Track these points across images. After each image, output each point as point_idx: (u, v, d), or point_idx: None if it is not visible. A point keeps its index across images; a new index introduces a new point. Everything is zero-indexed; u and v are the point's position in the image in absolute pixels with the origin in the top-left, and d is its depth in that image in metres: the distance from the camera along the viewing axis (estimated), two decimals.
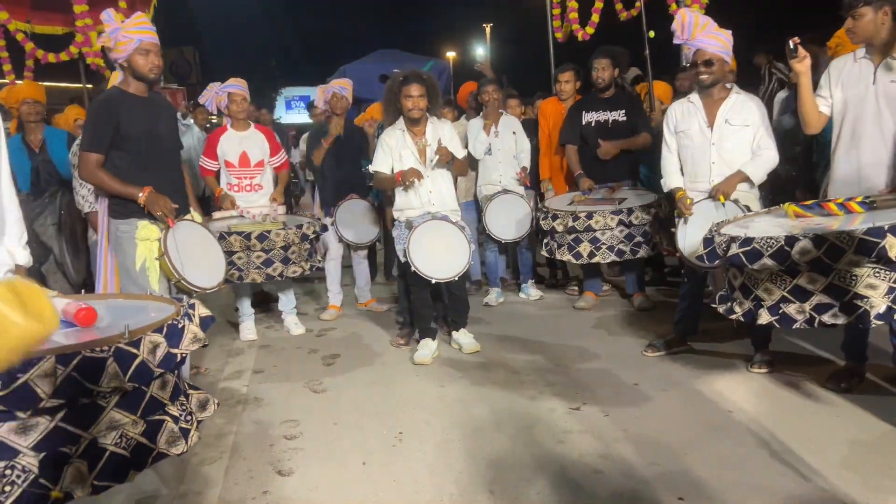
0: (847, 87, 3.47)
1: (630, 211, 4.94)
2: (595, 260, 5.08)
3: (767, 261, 2.80)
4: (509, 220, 5.68)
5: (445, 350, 4.74)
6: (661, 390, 3.80)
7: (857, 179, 3.41)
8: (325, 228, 5.37)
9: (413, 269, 4.33)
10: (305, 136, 6.92)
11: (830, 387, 3.60)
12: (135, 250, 3.65)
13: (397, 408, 3.81)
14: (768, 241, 2.81)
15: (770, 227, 3.13)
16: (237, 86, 5.21)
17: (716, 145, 4.06)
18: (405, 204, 4.52)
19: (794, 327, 2.84)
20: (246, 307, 5.34)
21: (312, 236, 5.09)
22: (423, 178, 4.41)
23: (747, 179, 4.00)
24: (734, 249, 2.94)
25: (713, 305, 3.33)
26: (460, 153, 4.60)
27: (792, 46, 3.36)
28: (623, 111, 5.49)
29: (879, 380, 3.69)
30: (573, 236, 5.05)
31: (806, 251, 2.67)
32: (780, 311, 2.88)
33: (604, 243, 5.00)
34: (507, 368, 4.31)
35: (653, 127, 5.56)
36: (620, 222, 4.94)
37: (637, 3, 6.04)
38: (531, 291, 6.02)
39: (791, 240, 2.72)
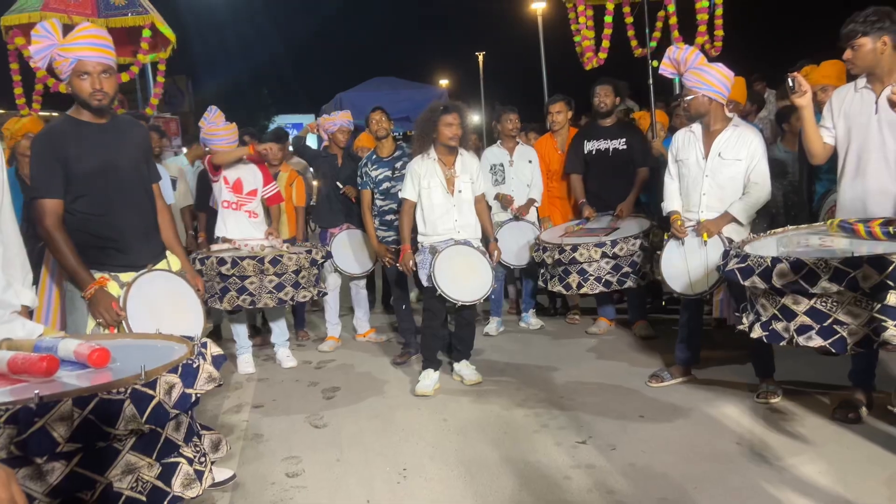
0: (850, 118, 3.53)
1: (614, 243, 5.02)
2: (583, 291, 5.16)
3: (756, 279, 2.96)
4: (517, 246, 5.75)
5: (446, 381, 4.74)
6: (667, 421, 3.81)
7: (863, 208, 3.45)
8: (330, 255, 5.42)
9: (439, 292, 4.41)
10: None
11: (838, 417, 3.61)
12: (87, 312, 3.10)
13: (401, 442, 3.80)
14: (758, 259, 2.97)
15: (795, 243, 3.19)
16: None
17: (709, 177, 4.15)
18: (431, 230, 4.61)
19: (780, 344, 2.98)
20: (243, 339, 5.33)
21: (321, 261, 5.16)
22: (412, 266, 4.59)
23: (735, 220, 4.08)
24: (731, 265, 3.06)
25: (736, 314, 3.36)
26: (481, 189, 4.77)
27: (791, 83, 3.42)
28: (623, 140, 5.60)
29: (891, 408, 3.70)
30: (562, 268, 5.13)
31: (784, 273, 2.82)
32: (770, 328, 3.02)
33: (591, 274, 5.07)
34: (510, 400, 4.31)
35: (653, 155, 5.65)
36: (604, 255, 5.02)
37: (652, 44, 6.17)
38: (532, 320, 6.04)
39: (776, 261, 2.87)
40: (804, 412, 3.76)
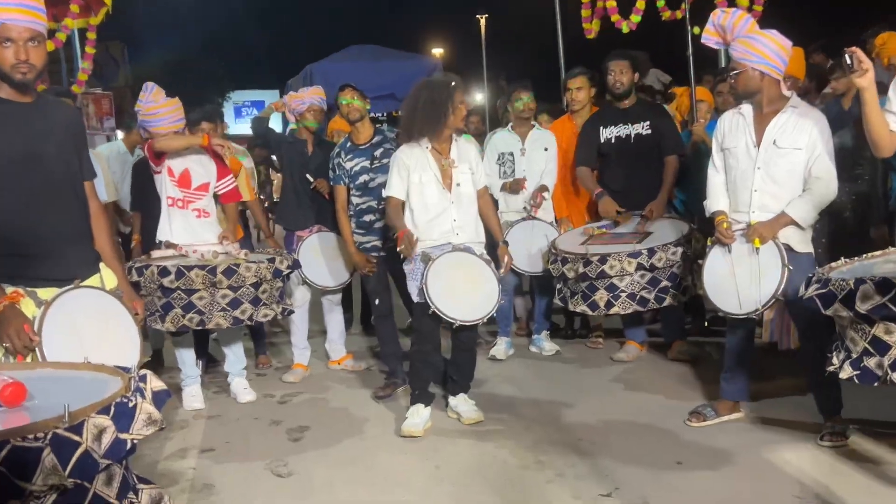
0: None
1: (651, 252, 5.00)
2: (613, 311, 5.13)
3: (838, 306, 2.89)
4: (530, 249, 5.74)
5: (440, 419, 4.73)
6: (711, 469, 3.81)
7: None
8: (297, 264, 5.37)
9: (432, 309, 4.38)
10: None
11: None
12: None
13: (382, 494, 3.78)
14: (841, 283, 2.90)
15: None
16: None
17: (761, 170, 4.14)
18: (423, 233, 4.58)
19: (875, 384, 2.90)
20: (190, 367, 5.30)
21: (286, 272, 5.12)
22: (413, 249, 4.48)
23: (794, 223, 4.08)
24: (810, 292, 3.01)
25: (829, 355, 3.29)
26: (482, 182, 4.78)
27: (849, 60, 3.41)
28: (647, 123, 5.61)
29: None
30: (587, 283, 5.11)
31: (868, 296, 2.77)
32: (862, 365, 2.93)
33: (622, 290, 5.05)
34: (517, 443, 4.30)
35: (693, 142, 5.66)
36: (640, 266, 4.99)
37: (683, 5, 6.15)
38: (545, 345, 6.06)
39: (860, 283, 2.80)
40: (880, 457, 3.76)
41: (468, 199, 4.66)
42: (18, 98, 3.02)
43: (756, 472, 3.74)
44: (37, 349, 2.90)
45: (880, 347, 2.86)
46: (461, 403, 4.74)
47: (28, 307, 3.00)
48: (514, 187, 5.87)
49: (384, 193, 4.80)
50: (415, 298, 4.56)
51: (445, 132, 4.58)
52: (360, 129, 5.41)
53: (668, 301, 5.10)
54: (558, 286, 5.40)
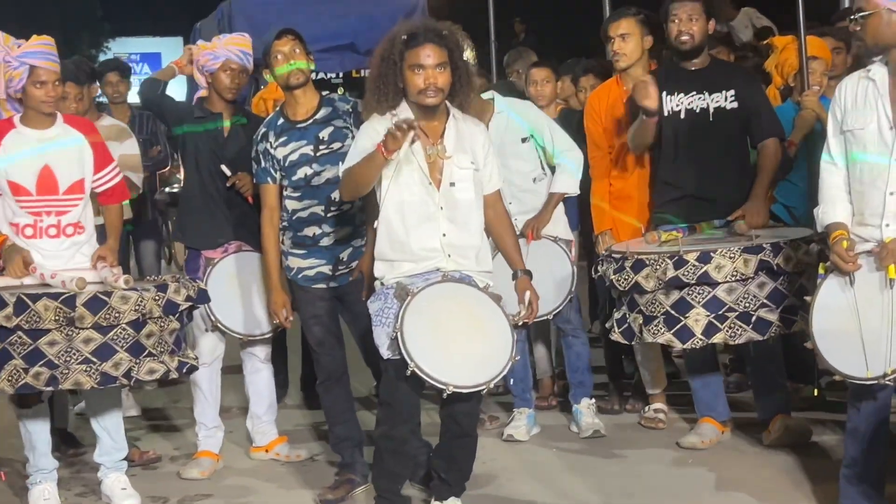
0: None
1: (777, 248, 5.00)
2: (717, 338, 5.14)
3: None
4: (538, 283, 5.70)
5: None
6: None
7: None
8: (205, 297, 5.31)
9: (411, 368, 4.31)
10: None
11: None
12: None
13: None
14: None
15: None
16: (45, 53, 5.14)
17: None
18: (399, 252, 4.58)
19: None
20: (42, 458, 5.26)
21: (185, 306, 5.07)
22: (417, 138, 4.43)
23: None
24: None
25: None
26: (495, 186, 4.80)
27: None
28: (732, 92, 5.65)
29: None
30: (675, 298, 5.12)
31: None
32: None
33: (732, 308, 5.05)
34: None
35: (802, 121, 5.69)
36: (763, 267, 4.99)
37: None
38: (585, 419, 6.05)
39: None
40: None
41: (466, 206, 4.63)
42: None
43: None
44: None
45: None
46: None
47: None
48: None
49: (341, 168, 4.74)
50: (384, 353, 4.51)
51: (412, 106, 4.57)
52: (300, 98, 5.37)
53: (797, 325, 5.08)
54: (619, 314, 5.42)
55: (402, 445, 4.66)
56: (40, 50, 5.09)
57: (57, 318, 4.65)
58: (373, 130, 4.55)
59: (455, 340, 4.43)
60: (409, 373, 4.31)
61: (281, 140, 5.30)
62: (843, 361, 4.20)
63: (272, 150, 5.29)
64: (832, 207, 4.36)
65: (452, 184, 4.58)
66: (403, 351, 4.30)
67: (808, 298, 4.41)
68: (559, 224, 6.01)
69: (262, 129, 5.39)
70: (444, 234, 4.56)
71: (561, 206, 6.05)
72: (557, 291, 5.81)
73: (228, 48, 5.78)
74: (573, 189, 5.96)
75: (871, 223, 4.21)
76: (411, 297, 4.35)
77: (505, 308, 4.51)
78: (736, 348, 5.86)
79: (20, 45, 5.12)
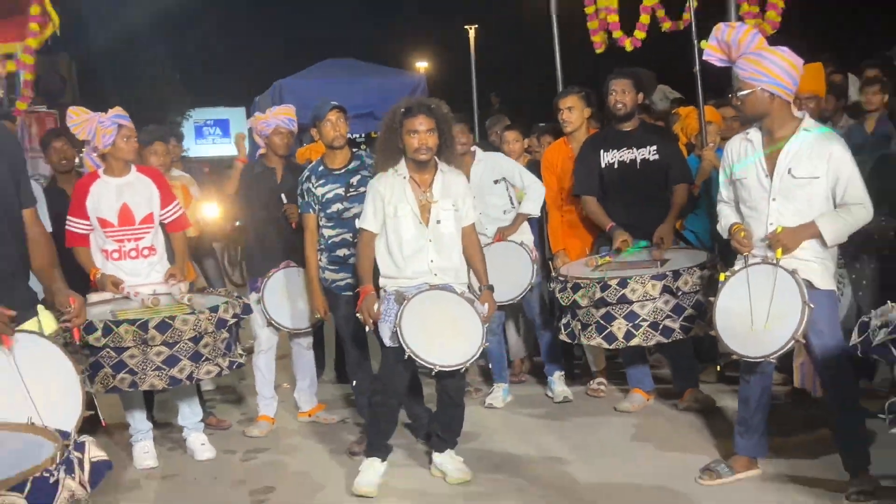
0: None
1: (677, 274, 4.98)
2: (634, 342, 5.10)
3: None
4: (505, 275, 5.64)
5: (424, 478, 4.72)
6: None
7: None
8: (248, 310, 5.31)
9: (408, 353, 4.35)
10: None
11: None
12: None
13: None
14: None
15: None
16: (126, 117, 5.25)
17: (777, 201, 4.16)
18: (397, 271, 4.60)
19: None
20: (140, 421, 5.25)
21: (232, 321, 5.03)
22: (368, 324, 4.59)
23: (820, 237, 4.08)
24: (881, 337, 2.87)
25: (880, 416, 3.16)
26: (470, 220, 4.79)
27: None
28: (654, 148, 5.63)
29: None
30: (603, 312, 5.08)
31: None
32: None
33: (644, 319, 5.03)
34: None
35: (697, 168, 5.71)
36: (665, 289, 4.97)
37: (685, 15, 6.15)
38: (557, 388, 6.02)
39: None
40: None
41: (449, 238, 4.66)
42: None
43: None
44: None
45: None
46: (447, 461, 4.71)
47: None
48: None
49: (357, 225, 4.81)
50: (386, 342, 4.53)
51: (410, 162, 4.61)
52: (338, 153, 5.35)
53: (693, 331, 5.08)
54: (565, 320, 5.37)
55: (392, 411, 4.69)
56: (123, 115, 5.22)
57: (134, 339, 4.65)
58: (377, 194, 4.63)
59: (440, 333, 4.44)
60: (406, 357, 4.35)
61: (320, 182, 5.28)
62: (738, 345, 4.20)
63: (314, 189, 5.28)
64: (727, 218, 4.40)
65: (438, 221, 4.62)
66: (402, 340, 4.35)
67: (711, 299, 4.40)
68: (525, 234, 5.94)
69: (307, 173, 5.37)
70: (431, 260, 4.61)
71: (527, 224, 6.00)
72: (519, 282, 5.73)
73: (278, 117, 5.74)
74: (535, 212, 5.90)
75: (758, 246, 4.22)
76: (407, 302, 4.39)
77: (477, 308, 4.50)
78: None
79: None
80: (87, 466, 1.95)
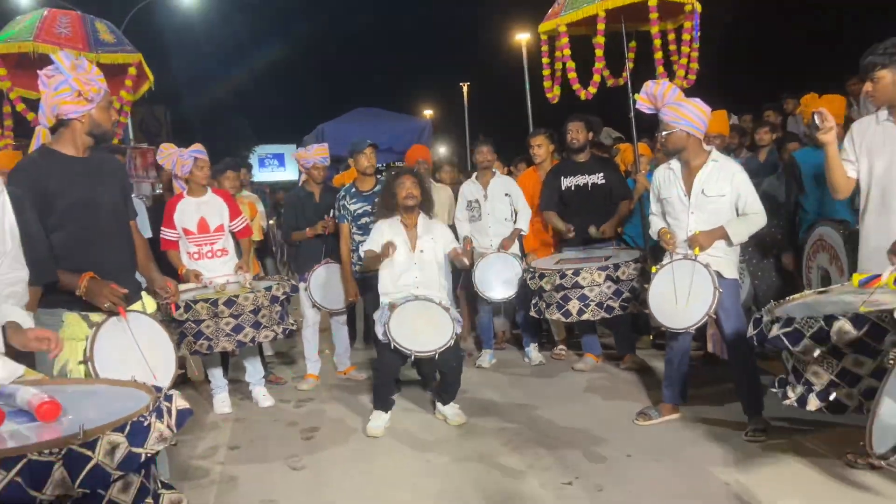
0: (872, 152, 3.42)
1: (616, 266, 4.95)
2: (585, 317, 5.05)
3: (808, 342, 2.61)
4: (498, 279, 5.69)
5: (430, 421, 4.67)
6: (655, 461, 3.74)
7: (888, 244, 3.26)
8: (294, 289, 5.25)
9: (393, 345, 4.33)
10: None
11: (855, 463, 3.39)
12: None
13: (382, 486, 3.70)
14: (808, 321, 2.62)
15: (833, 303, 2.90)
16: (202, 151, 5.22)
17: (694, 214, 4.12)
18: (391, 287, 4.62)
19: (847, 413, 2.67)
20: (218, 378, 5.22)
21: (283, 297, 4.97)
22: (394, 249, 4.51)
23: (727, 237, 4.02)
24: (775, 331, 2.74)
25: (773, 390, 3.06)
26: (451, 246, 4.78)
27: (816, 120, 3.37)
28: (601, 174, 5.59)
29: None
30: (561, 294, 5.03)
31: (844, 332, 2.48)
32: (831, 397, 2.68)
33: (592, 300, 4.97)
34: (494, 439, 4.22)
35: (637, 191, 5.66)
36: (608, 277, 4.93)
37: (624, 74, 6.18)
38: (532, 355, 5.93)
39: (830, 320, 2.53)
40: (795, 452, 3.69)
41: (429, 263, 4.67)
42: (76, 153, 3.08)
43: (692, 464, 3.67)
44: (90, 366, 2.88)
45: (849, 379, 2.62)
46: (448, 409, 4.66)
47: (82, 329, 3.01)
48: (458, 257, 5.21)
49: (362, 248, 4.80)
50: (380, 338, 4.49)
51: (401, 208, 4.66)
52: (368, 179, 5.41)
53: (630, 309, 5.03)
54: (534, 300, 5.30)
55: (388, 384, 4.65)
56: (199, 150, 5.20)
57: (208, 312, 4.61)
58: (379, 232, 4.67)
59: (419, 329, 4.41)
60: (392, 347, 4.33)
61: (353, 200, 5.29)
62: (666, 319, 4.14)
63: (348, 206, 5.27)
64: (657, 225, 4.35)
65: (422, 251, 4.65)
66: (389, 335, 4.33)
67: (646, 286, 4.33)
68: (514, 247, 5.84)
69: (343, 193, 5.40)
70: (415, 277, 4.62)
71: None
72: (513, 282, 5.66)
73: (315, 157, 5.68)
74: (525, 228, 5.83)
75: (680, 246, 4.16)
76: (395, 308, 4.39)
77: (451, 313, 4.48)
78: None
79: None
80: (174, 413, 1.91)
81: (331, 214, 5.60)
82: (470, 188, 6.01)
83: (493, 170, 6.03)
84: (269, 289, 4.87)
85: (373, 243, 4.65)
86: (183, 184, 5.27)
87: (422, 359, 4.51)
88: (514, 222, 5.86)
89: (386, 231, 4.66)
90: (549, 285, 5.06)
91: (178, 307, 4.58)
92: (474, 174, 6.09)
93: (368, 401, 5.15)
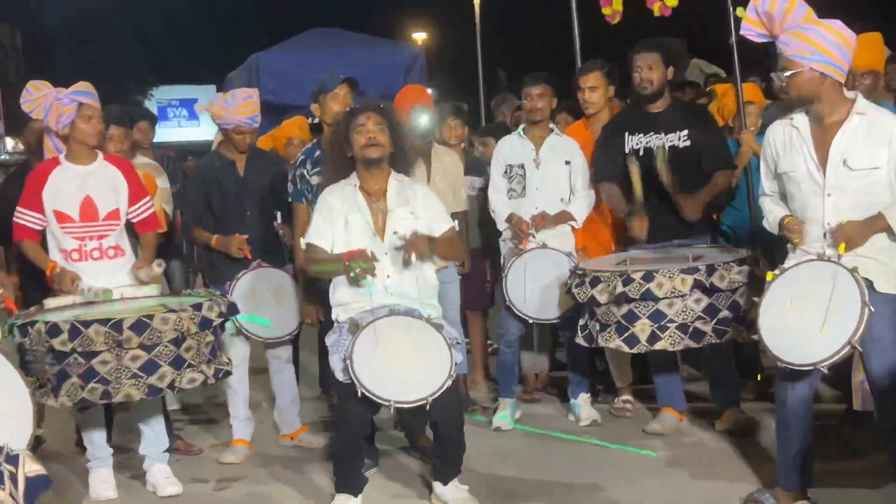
0: None
1: (711, 269, 4.96)
2: (658, 346, 5.09)
3: None
4: (545, 289, 5.72)
5: None
6: None
7: None
8: (235, 309, 5.24)
9: (360, 391, 4.31)
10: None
11: None
12: None
13: None
14: None
15: None
16: (91, 94, 5.22)
17: (832, 197, 4.13)
18: (349, 296, 4.61)
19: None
20: (99, 447, 5.25)
21: (217, 321, 4.98)
22: (376, 268, 4.51)
23: (890, 230, 4.05)
24: None
25: None
26: (444, 225, 4.77)
27: None
28: (685, 132, 5.62)
29: None
30: (625, 310, 5.08)
31: None
32: None
33: (672, 320, 5.03)
34: None
35: (739, 157, 5.72)
36: (698, 285, 4.95)
37: None
38: (583, 410, 5.97)
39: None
40: None
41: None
42: None
43: None
44: None
45: None
46: (449, 489, 4.70)
47: None
48: (518, 232, 5.77)
49: (301, 241, 4.79)
50: (339, 376, 4.48)
51: (359, 166, 4.66)
52: None
53: (730, 335, 5.06)
54: (582, 321, 5.37)
55: (356, 458, 4.70)
56: (86, 90, 5.19)
57: (107, 341, 4.57)
58: (327, 209, 4.68)
59: (401, 363, 4.41)
60: (359, 394, 4.32)
61: (316, 169, 5.30)
62: (782, 349, 4.12)
63: (308, 176, 5.32)
64: (779, 212, 4.36)
65: (395, 233, 4.63)
66: (352, 374, 4.31)
67: (755, 299, 4.34)
68: (568, 243, 5.96)
69: (301, 157, 5.46)
70: (388, 276, 4.62)
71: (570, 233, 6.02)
72: (552, 302, 5.76)
73: (238, 117, 5.65)
74: (579, 220, 5.94)
75: (811, 246, 4.18)
76: (360, 330, 4.37)
77: (445, 334, 4.46)
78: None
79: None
80: (20, 480, 1.95)
81: (273, 204, 5.64)
82: (512, 146, 6.07)
83: (551, 124, 6.08)
84: (197, 308, 4.86)
85: (316, 235, 4.63)
86: (59, 144, 5.31)
87: (405, 410, 4.54)
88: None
89: (336, 206, 4.61)
90: (605, 295, 5.09)
91: (56, 333, 4.53)
92: (520, 127, 6.15)
93: (328, 480, 5.21)
